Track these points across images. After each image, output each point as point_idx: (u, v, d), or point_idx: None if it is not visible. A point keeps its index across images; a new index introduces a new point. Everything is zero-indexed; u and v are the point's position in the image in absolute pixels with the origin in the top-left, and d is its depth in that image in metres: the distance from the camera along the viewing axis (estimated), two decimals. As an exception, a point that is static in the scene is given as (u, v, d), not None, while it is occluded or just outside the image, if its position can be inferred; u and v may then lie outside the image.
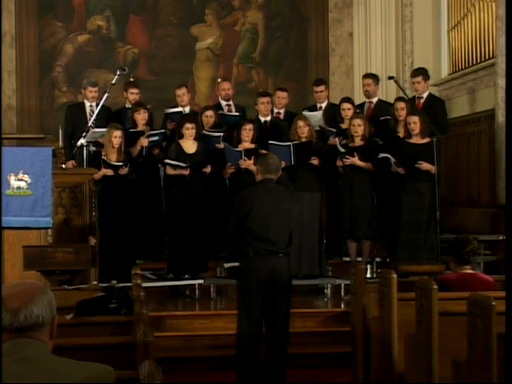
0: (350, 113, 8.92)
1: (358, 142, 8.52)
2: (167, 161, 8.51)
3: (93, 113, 9.21)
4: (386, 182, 8.93)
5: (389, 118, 9.06)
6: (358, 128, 8.48)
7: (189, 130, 8.53)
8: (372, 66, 11.89)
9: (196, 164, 8.45)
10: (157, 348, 4.08)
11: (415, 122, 8.35)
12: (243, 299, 6.01)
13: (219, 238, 8.70)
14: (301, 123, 8.58)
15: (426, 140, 8.34)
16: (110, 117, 9.32)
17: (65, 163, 8.25)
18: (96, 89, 9.47)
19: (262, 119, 9.27)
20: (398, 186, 8.44)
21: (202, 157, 8.56)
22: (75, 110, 9.61)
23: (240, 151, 8.58)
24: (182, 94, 9.56)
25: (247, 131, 8.68)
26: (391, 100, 9.88)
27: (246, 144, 8.71)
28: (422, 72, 9.39)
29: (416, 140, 8.37)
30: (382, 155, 8.40)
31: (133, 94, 9.51)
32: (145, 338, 3.74)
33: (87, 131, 8.63)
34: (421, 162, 8.24)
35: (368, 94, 9.50)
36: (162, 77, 12.40)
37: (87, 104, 9.44)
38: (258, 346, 5.98)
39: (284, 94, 9.54)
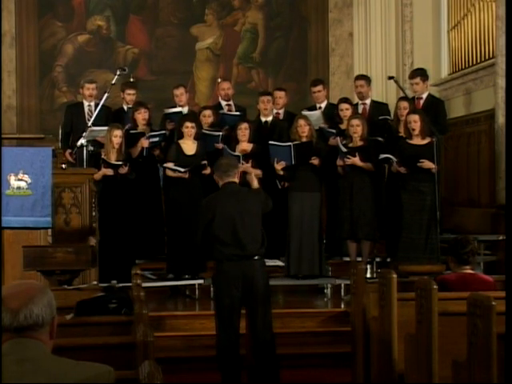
0: (348, 113, 8.91)
1: (358, 142, 8.52)
2: (166, 165, 8.53)
3: (91, 112, 9.23)
4: (388, 182, 8.94)
5: (387, 118, 9.05)
6: (357, 128, 8.48)
7: (188, 128, 8.55)
8: (372, 66, 11.89)
9: (195, 168, 8.46)
10: (157, 348, 4.08)
11: (415, 121, 8.32)
12: (217, 304, 6.06)
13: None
14: (302, 122, 8.58)
15: (427, 141, 8.32)
16: (110, 116, 9.32)
17: (64, 163, 8.24)
18: (93, 86, 9.47)
19: (263, 119, 9.27)
20: (400, 185, 8.43)
21: (202, 157, 8.57)
22: (74, 109, 9.62)
23: (238, 156, 8.57)
24: (180, 93, 9.56)
25: (243, 130, 8.72)
26: (391, 100, 9.88)
27: (244, 144, 8.72)
28: (419, 73, 9.37)
29: (417, 141, 8.34)
30: (382, 156, 8.39)
31: (129, 95, 9.52)
32: (145, 338, 3.74)
33: (84, 136, 8.60)
34: (422, 161, 8.23)
35: (361, 96, 9.50)
36: (162, 77, 12.39)
37: (86, 104, 9.45)
38: (236, 348, 5.99)
39: (281, 94, 9.53)
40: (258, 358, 5.99)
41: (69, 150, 9.11)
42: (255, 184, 6.35)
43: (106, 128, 8.66)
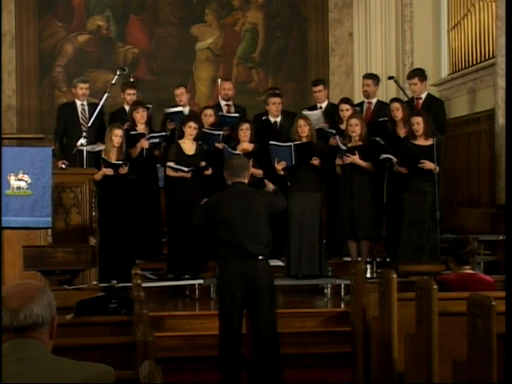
0: (348, 114, 8.88)
1: (356, 141, 8.51)
2: (170, 164, 8.53)
3: (85, 112, 9.24)
4: (389, 182, 8.93)
5: (386, 119, 9.05)
6: (356, 127, 8.48)
7: (191, 128, 8.57)
8: (372, 66, 11.88)
9: (198, 168, 8.48)
10: (157, 348, 4.07)
11: (419, 123, 8.32)
12: (220, 303, 6.07)
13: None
14: (301, 122, 8.58)
15: (430, 142, 8.31)
16: (102, 124, 9.27)
17: (65, 163, 8.22)
18: (87, 85, 9.46)
19: (272, 120, 9.27)
20: (401, 185, 8.43)
21: (201, 158, 8.59)
22: (67, 109, 9.56)
23: (239, 154, 8.57)
24: (181, 93, 9.58)
25: (244, 131, 8.72)
26: (391, 100, 9.84)
27: (245, 144, 8.73)
28: (418, 73, 9.36)
29: (420, 142, 8.35)
30: (383, 156, 8.39)
31: (130, 95, 9.52)
32: (145, 338, 3.74)
33: (84, 136, 8.54)
34: (423, 161, 8.23)
35: (367, 95, 9.49)
36: (162, 77, 12.39)
37: (78, 103, 9.41)
38: (238, 348, 6.00)
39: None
40: (260, 357, 5.99)
41: (63, 161, 8.83)
42: (270, 186, 6.53)
43: (102, 147, 8.64)
